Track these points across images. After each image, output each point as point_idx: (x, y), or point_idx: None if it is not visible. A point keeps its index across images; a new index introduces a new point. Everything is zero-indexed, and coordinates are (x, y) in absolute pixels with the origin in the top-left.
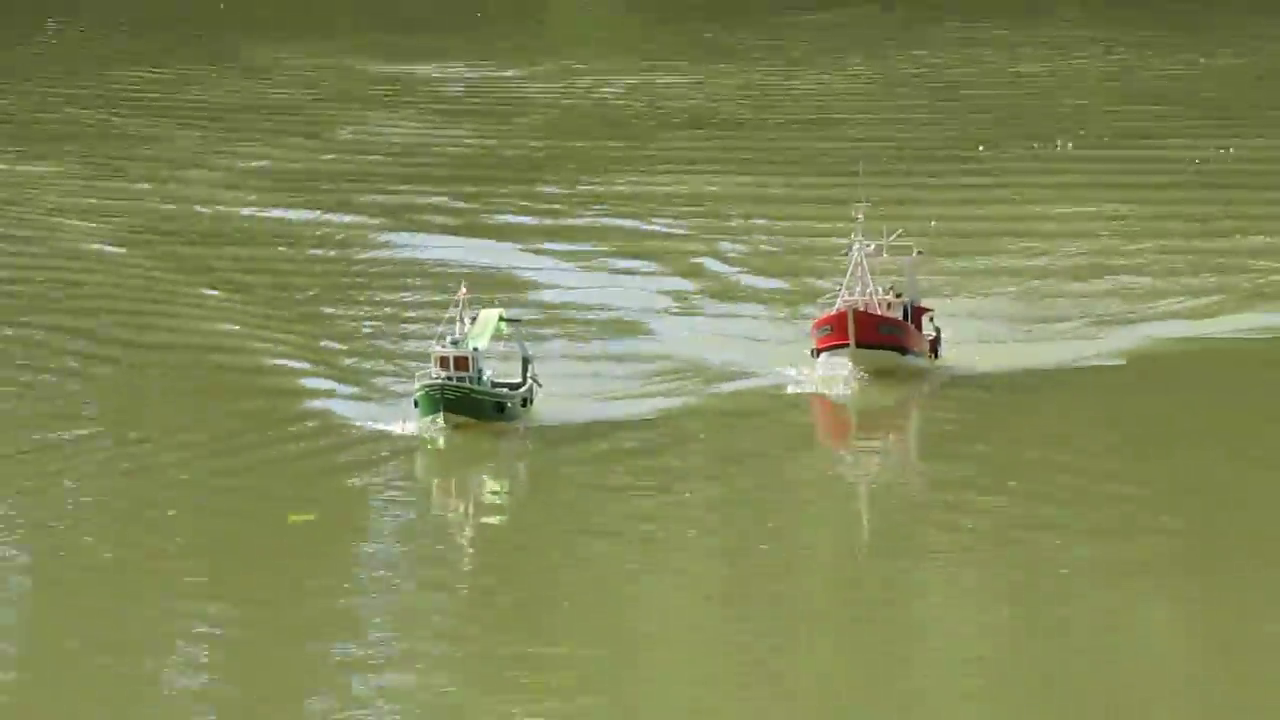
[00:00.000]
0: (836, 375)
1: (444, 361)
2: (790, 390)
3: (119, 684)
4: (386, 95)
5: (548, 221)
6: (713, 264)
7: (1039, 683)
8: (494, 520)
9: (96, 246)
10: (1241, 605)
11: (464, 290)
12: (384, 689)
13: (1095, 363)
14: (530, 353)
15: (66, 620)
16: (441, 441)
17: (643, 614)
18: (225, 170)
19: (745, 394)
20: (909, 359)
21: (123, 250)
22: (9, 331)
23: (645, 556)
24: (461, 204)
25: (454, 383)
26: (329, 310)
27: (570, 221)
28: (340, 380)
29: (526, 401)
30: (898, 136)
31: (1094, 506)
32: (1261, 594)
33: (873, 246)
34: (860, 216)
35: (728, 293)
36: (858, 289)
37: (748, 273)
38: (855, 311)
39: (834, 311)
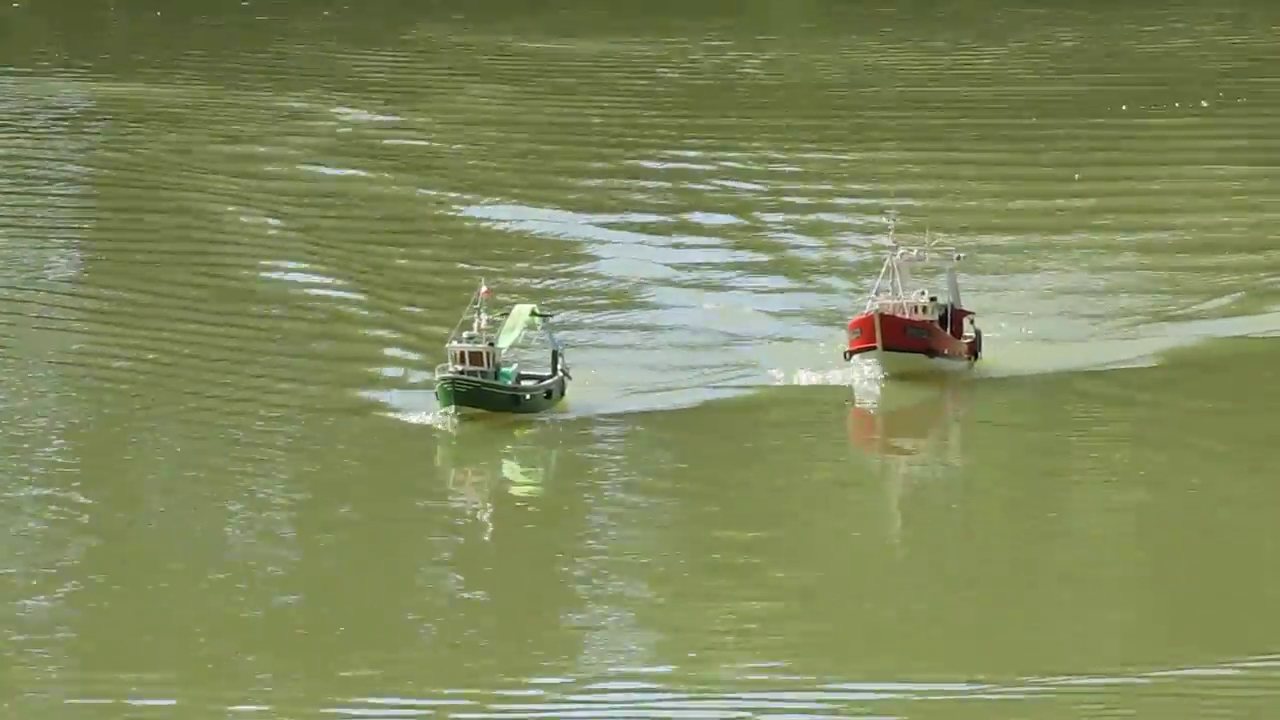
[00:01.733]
0: (866, 376)
1: (460, 356)
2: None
3: None
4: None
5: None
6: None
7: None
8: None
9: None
10: None
11: (484, 289)
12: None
13: None
14: (560, 346)
15: None
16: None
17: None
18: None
19: (774, 391)
20: (938, 361)
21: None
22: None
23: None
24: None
25: (465, 376)
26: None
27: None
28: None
29: (551, 394)
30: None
31: None
32: None
33: (915, 251)
34: (892, 221)
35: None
36: (889, 292)
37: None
38: (881, 315)
39: (863, 315)
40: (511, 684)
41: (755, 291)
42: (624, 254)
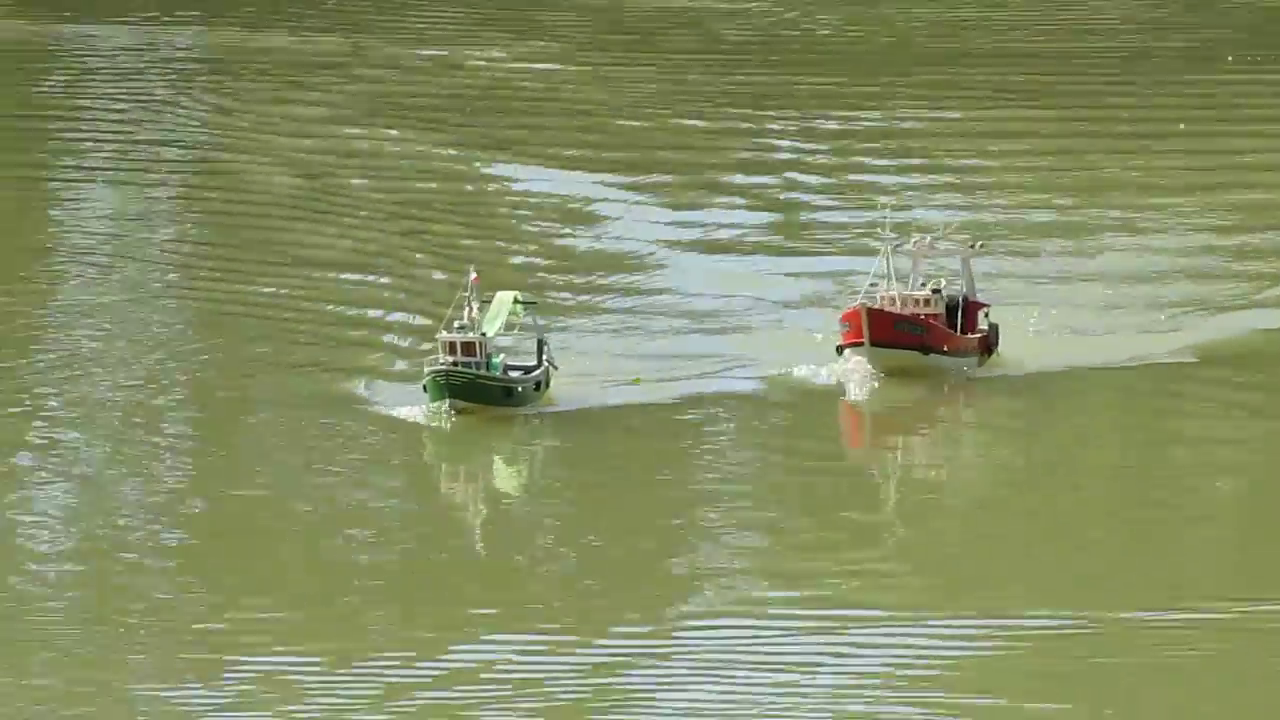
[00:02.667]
0: (856, 372)
1: (451, 346)
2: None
3: None
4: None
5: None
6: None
7: None
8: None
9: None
10: None
11: (474, 275)
12: None
13: None
14: (546, 335)
15: None
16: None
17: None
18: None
19: (772, 384)
20: (932, 358)
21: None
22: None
23: None
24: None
25: (459, 368)
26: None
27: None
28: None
29: (539, 385)
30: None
31: None
32: None
33: (928, 240)
34: (887, 212)
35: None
36: (883, 284)
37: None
38: (869, 309)
39: (852, 308)
40: (629, 619)
41: (766, 272)
42: (634, 223)
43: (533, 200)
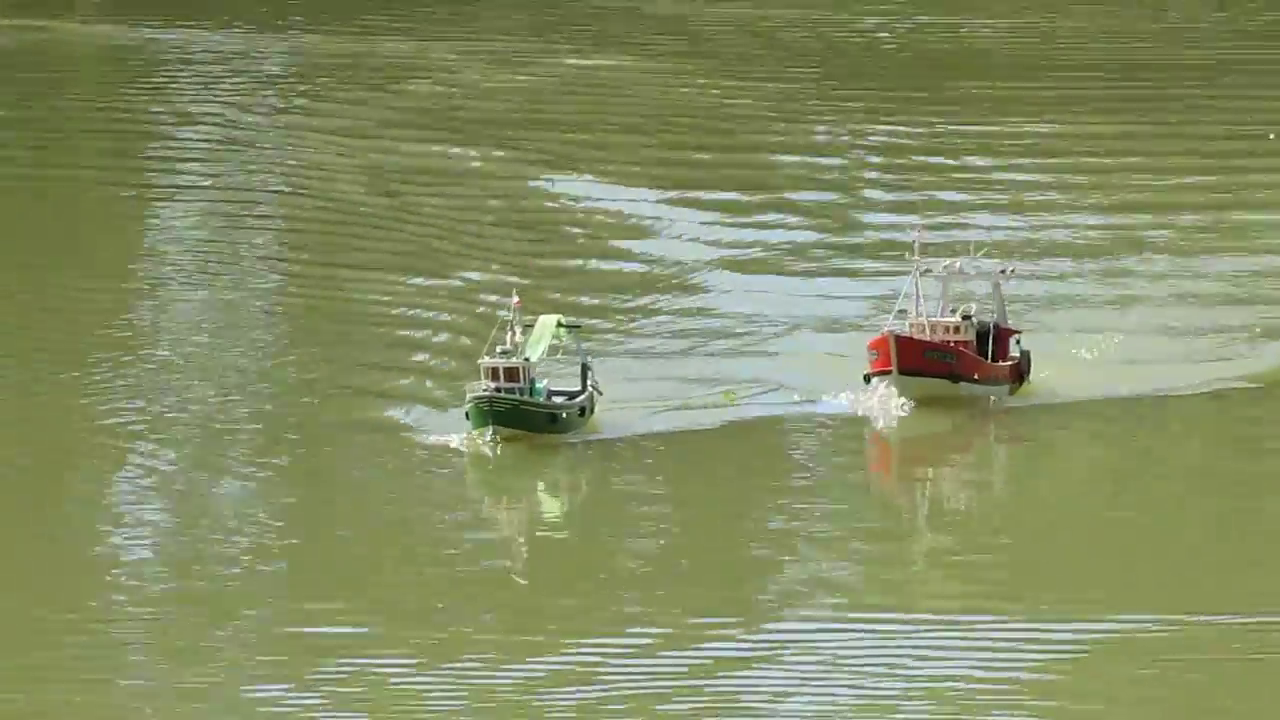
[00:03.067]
0: (887, 402)
1: (494, 372)
2: (849, 414)
3: None
4: None
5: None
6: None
7: None
8: None
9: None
10: None
11: (516, 299)
12: None
13: None
14: (590, 360)
15: None
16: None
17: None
18: None
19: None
20: (965, 387)
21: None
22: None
23: None
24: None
25: (503, 394)
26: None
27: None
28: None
29: (584, 411)
30: None
31: None
32: None
33: (957, 264)
34: (917, 234)
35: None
36: (912, 310)
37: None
38: (897, 336)
39: (881, 335)
40: (718, 624)
41: (821, 294)
42: (685, 239)
43: (591, 215)
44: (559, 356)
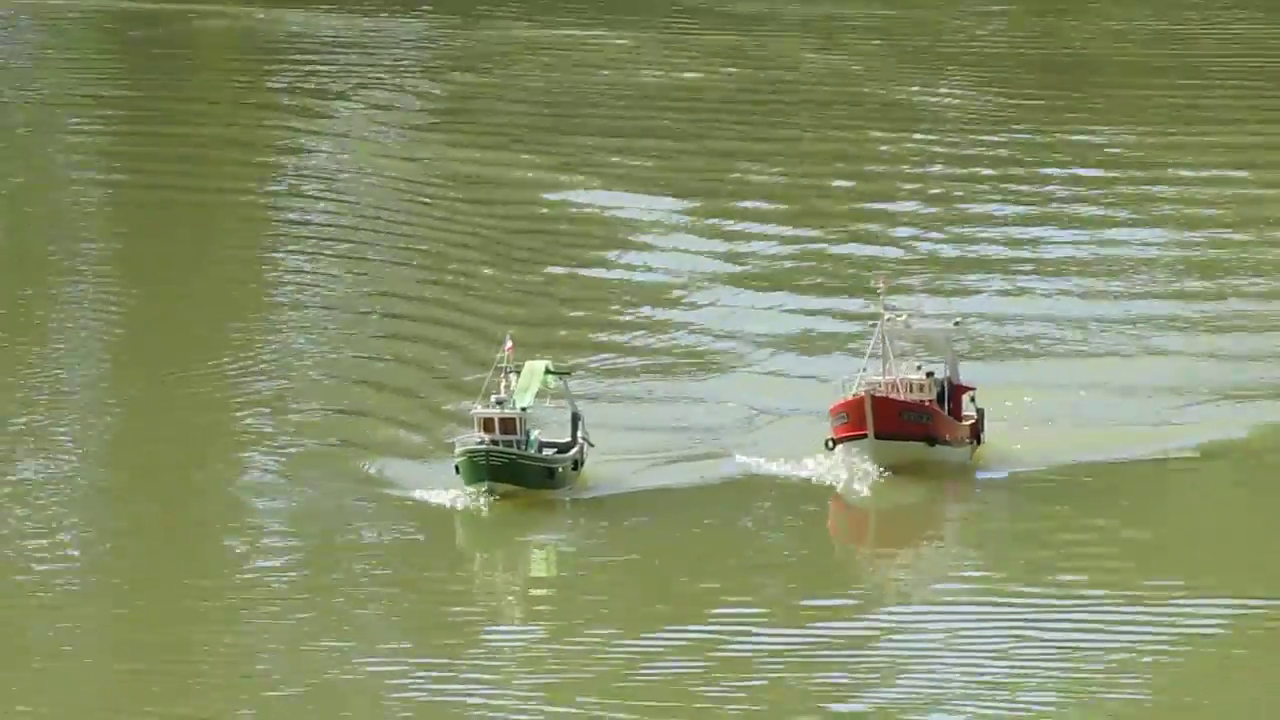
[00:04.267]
0: (855, 470)
1: (488, 424)
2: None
3: None
4: None
5: None
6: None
7: None
8: None
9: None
10: None
11: (509, 344)
12: None
13: None
14: (580, 409)
15: None
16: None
17: None
18: None
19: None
20: (939, 450)
21: None
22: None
23: None
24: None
25: (499, 447)
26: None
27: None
28: None
29: (577, 465)
30: None
31: None
32: None
33: (905, 316)
34: (881, 285)
35: None
36: (879, 369)
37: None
38: (873, 397)
39: (851, 396)
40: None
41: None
42: (680, 256)
43: (612, 225)
44: (548, 402)
